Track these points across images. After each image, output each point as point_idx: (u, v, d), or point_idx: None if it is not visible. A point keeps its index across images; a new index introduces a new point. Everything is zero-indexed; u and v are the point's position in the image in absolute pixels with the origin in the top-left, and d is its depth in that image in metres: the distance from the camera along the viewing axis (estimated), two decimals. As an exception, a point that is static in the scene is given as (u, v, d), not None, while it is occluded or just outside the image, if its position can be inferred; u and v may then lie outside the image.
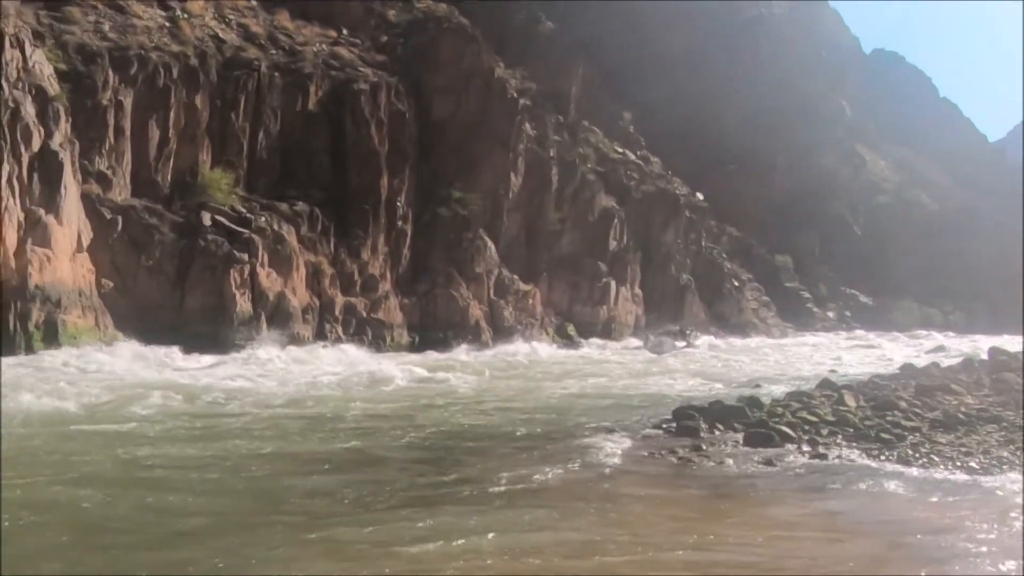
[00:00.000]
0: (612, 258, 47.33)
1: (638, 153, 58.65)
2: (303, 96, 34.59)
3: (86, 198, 26.63)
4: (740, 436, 12.99)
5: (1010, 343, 33.81)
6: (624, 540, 7.94)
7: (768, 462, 11.40)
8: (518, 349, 34.68)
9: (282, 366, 23.86)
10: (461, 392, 19.86)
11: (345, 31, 39.20)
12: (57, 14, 29.32)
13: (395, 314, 34.45)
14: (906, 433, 12.99)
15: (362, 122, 35.34)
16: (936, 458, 11.62)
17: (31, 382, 16.77)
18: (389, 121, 36.22)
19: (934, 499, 9.66)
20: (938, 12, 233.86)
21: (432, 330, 35.10)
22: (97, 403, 15.31)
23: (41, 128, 24.67)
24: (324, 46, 37.19)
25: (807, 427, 13.39)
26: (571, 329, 42.93)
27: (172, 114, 30.53)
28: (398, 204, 36.10)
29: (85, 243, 25.83)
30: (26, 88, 24.70)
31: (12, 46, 24.53)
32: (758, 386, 21.87)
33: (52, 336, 23.37)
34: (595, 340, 42.00)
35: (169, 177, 30.37)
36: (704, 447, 12.34)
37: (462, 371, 24.02)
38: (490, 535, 7.89)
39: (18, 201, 23.57)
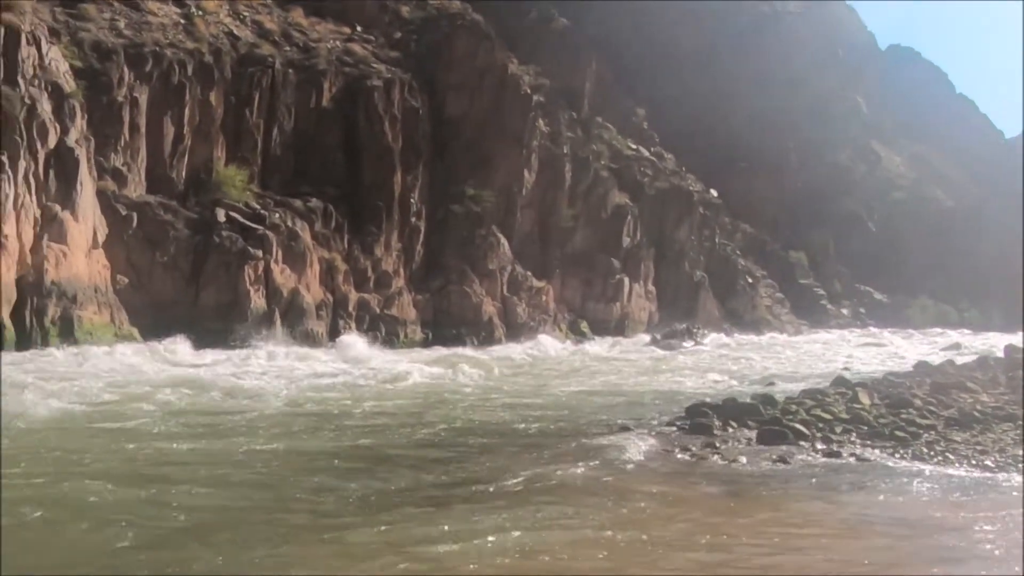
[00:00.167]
0: (625, 255, 47.24)
1: (652, 149, 58.50)
2: (317, 93, 34.68)
3: (101, 195, 26.80)
4: (754, 434, 12.94)
5: (1026, 341, 33.52)
6: (636, 538, 7.92)
7: (781, 460, 11.36)
8: (531, 346, 34.66)
9: (294, 362, 23.84)
10: (473, 389, 19.85)
11: (359, 28, 39.27)
12: (73, 11, 29.48)
13: (408, 310, 34.51)
14: (921, 431, 12.92)
15: (376, 119, 35.40)
16: (951, 456, 11.57)
17: (36, 379, 16.66)
18: (403, 118, 36.27)
19: (949, 498, 9.61)
20: (954, 7, 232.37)
21: (445, 327, 35.14)
22: (103, 399, 15.22)
23: (57, 125, 24.83)
24: (338, 43, 37.27)
25: (821, 425, 13.33)
26: (584, 326, 42.90)
27: (187, 111, 30.67)
28: (411, 201, 36.15)
29: (100, 239, 25.99)
30: (42, 85, 24.86)
31: (28, 43, 24.69)
32: (772, 383, 21.81)
33: (68, 332, 23.54)
34: (608, 337, 41.91)
35: (184, 174, 30.51)
36: (717, 444, 12.32)
37: (474, 367, 24.00)
38: (502, 534, 7.86)
39: (34, 197, 23.74)
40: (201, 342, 25.15)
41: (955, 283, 77.96)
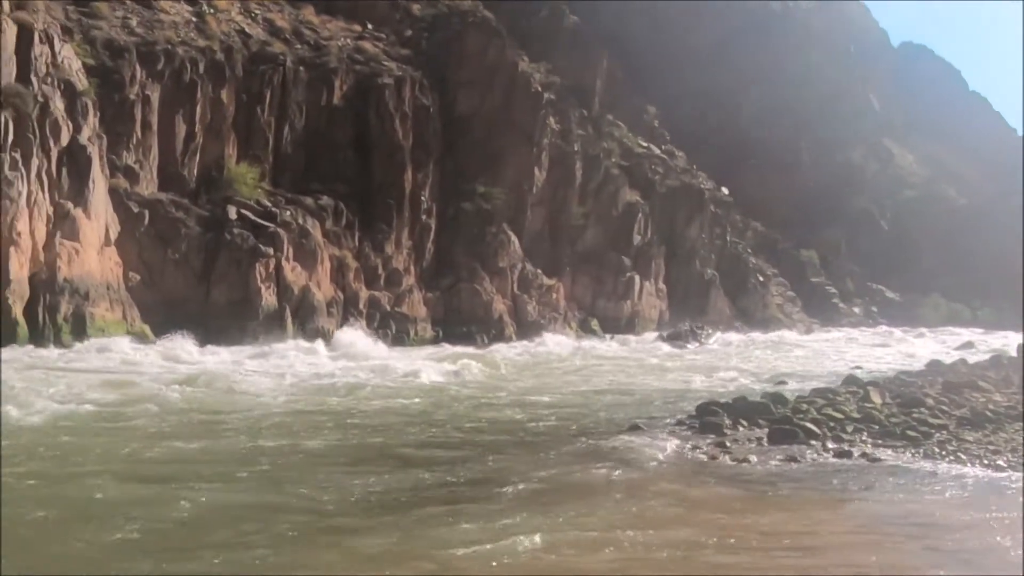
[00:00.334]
0: (636, 253, 47.15)
1: (663, 147, 58.41)
2: (328, 90, 34.72)
3: (114, 192, 26.90)
4: (764, 433, 12.90)
5: (1039, 340, 33.32)
6: (645, 539, 7.89)
7: (792, 459, 11.34)
8: (541, 344, 34.65)
9: (302, 359, 23.76)
10: (482, 387, 19.81)
11: (370, 25, 39.31)
12: (85, 9, 29.60)
13: (419, 308, 34.55)
14: (933, 431, 12.87)
15: (386, 116, 35.43)
16: (963, 456, 11.52)
17: (40, 375, 16.58)
18: (413, 115, 36.29)
19: (961, 497, 9.58)
20: (966, 5, 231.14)
21: (456, 324, 35.16)
22: (107, 397, 15.12)
23: (69, 123, 24.94)
24: (349, 40, 37.31)
25: (832, 424, 13.28)
26: (594, 324, 42.86)
27: (198, 109, 30.75)
28: (422, 198, 36.18)
29: (113, 237, 26.10)
30: (55, 83, 24.97)
31: (41, 41, 24.80)
32: (783, 382, 21.76)
33: (80, 329, 23.65)
34: (619, 335, 41.84)
35: (195, 171, 30.59)
36: (728, 444, 12.29)
37: (484, 365, 23.97)
38: (509, 534, 7.82)
39: (47, 195, 23.86)
40: (212, 339, 25.21)
41: (968, 281, 77.54)
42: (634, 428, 13.44)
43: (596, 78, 52.86)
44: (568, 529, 8.10)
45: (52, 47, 25.26)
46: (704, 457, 11.51)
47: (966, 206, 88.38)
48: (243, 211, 29.70)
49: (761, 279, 60.64)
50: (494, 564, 7.16)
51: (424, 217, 36.30)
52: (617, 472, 10.51)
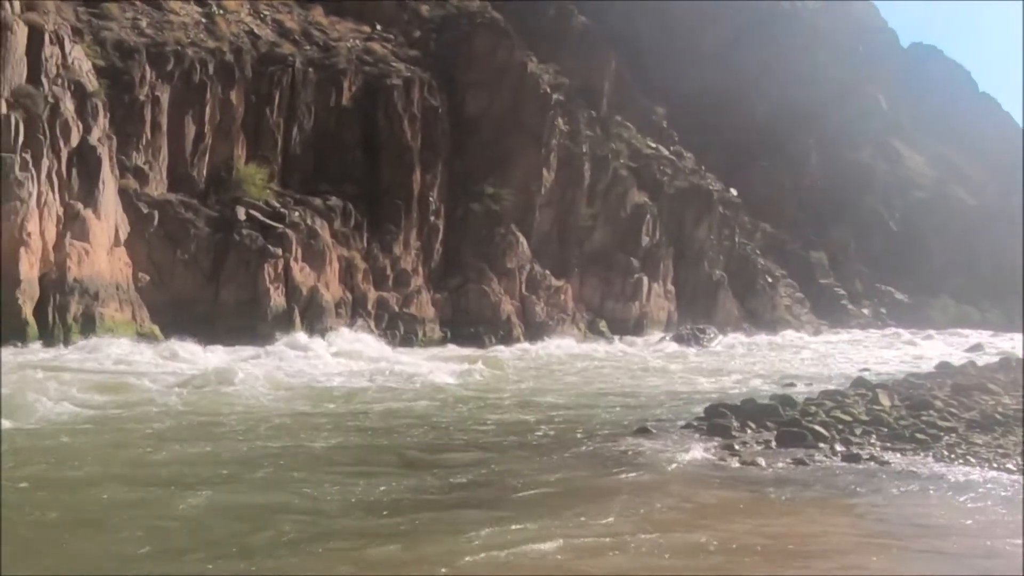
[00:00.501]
0: (644, 254, 47.11)
1: (671, 148, 58.35)
2: (337, 91, 34.80)
3: (123, 192, 27.01)
4: (772, 435, 12.85)
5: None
6: (651, 542, 7.87)
7: (800, 462, 11.30)
8: (549, 345, 34.67)
9: (311, 360, 23.65)
10: (490, 389, 19.77)
11: (379, 27, 39.40)
12: (95, 10, 29.74)
13: (427, 309, 34.59)
14: (942, 433, 12.82)
15: (395, 117, 35.49)
16: (972, 459, 11.47)
17: (42, 376, 16.46)
18: (422, 116, 36.35)
19: (970, 501, 9.54)
20: (976, 5, 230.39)
21: (464, 325, 35.19)
22: (109, 399, 15.00)
23: (80, 123, 25.06)
24: (358, 41, 37.39)
25: (840, 427, 13.23)
26: (603, 325, 42.83)
27: (208, 109, 30.85)
28: (430, 199, 36.22)
29: (122, 237, 26.20)
30: (65, 84, 25.09)
31: (52, 43, 24.92)
32: (791, 384, 21.72)
33: (90, 329, 23.74)
34: (627, 337, 41.81)
35: (205, 172, 30.69)
36: (736, 446, 12.25)
37: (491, 367, 23.93)
38: (512, 538, 7.80)
39: (57, 195, 23.97)
40: (221, 339, 25.19)
41: (977, 283, 77.37)
42: (642, 431, 13.41)
43: (604, 79, 52.84)
44: (575, 533, 8.06)
45: (62, 48, 25.38)
46: (712, 460, 11.48)
47: (976, 207, 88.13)
48: (252, 212, 29.79)
49: (770, 280, 60.54)
50: (501, 568, 7.15)
51: (432, 218, 36.35)
52: (625, 475, 10.50)
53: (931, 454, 11.78)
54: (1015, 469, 10.94)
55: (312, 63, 34.55)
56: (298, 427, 13.30)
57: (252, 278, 28.65)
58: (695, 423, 13.99)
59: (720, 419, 13.85)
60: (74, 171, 24.60)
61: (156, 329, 25.89)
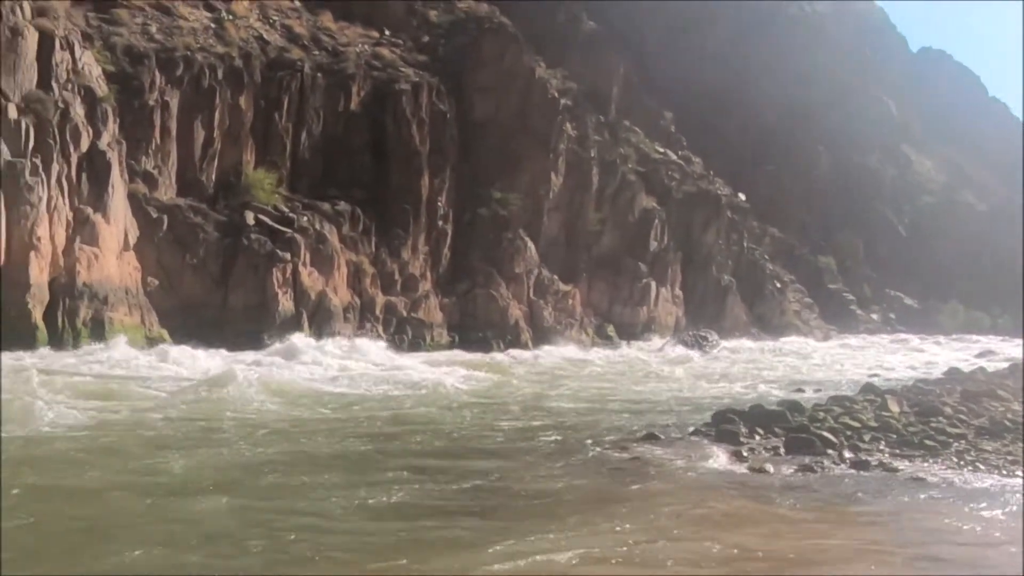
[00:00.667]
0: (652, 259, 47.04)
1: (679, 153, 58.26)
2: (345, 96, 34.87)
3: (133, 197, 27.11)
4: (780, 441, 12.78)
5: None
6: (655, 550, 7.85)
7: (808, 469, 11.26)
8: (557, 350, 34.65)
9: (318, 365, 23.56)
10: (496, 394, 19.74)
11: (387, 31, 39.47)
12: (105, 16, 29.84)
13: (435, 314, 34.59)
14: (951, 440, 12.76)
15: (403, 122, 35.54)
16: (982, 466, 11.43)
17: (43, 379, 16.40)
18: (430, 121, 36.40)
19: (980, 508, 9.50)
20: (985, 8, 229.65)
21: (472, 330, 35.17)
22: (109, 404, 14.96)
23: (90, 128, 25.17)
24: (366, 46, 37.46)
25: (849, 433, 13.17)
26: (611, 330, 42.77)
27: (217, 114, 30.94)
28: (439, 204, 36.25)
29: (132, 241, 26.29)
30: (75, 89, 25.21)
31: (62, 48, 25.04)
32: (800, 390, 21.66)
33: (99, 333, 23.82)
34: (635, 341, 41.72)
35: (214, 177, 30.78)
36: (744, 453, 12.20)
37: (499, 372, 23.94)
38: (513, 543, 7.77)
39: (67, 200, 24.07)
40: (229, 344, 25.25)
41: (987, 288, 76.96)
42: (650, 437, 13.36)
43: (612, 83, 52.85)
44: (584, 543, 8.01)
45: (72, 54, 25.50)
46: (720, 466, 11.46)
47: (985, 212, 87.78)
48: (261, 216, 29.87)
49: (778, 285, 60.35)
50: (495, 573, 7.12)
51: (440, 223, 36.37)
52: (634, 482, 10.48)
53: (940, 461, 11.74)
54: (1025, 476, 10.89)
55: (321, 68, 34.63)
56: (301, 432, 13.24)
57: (260, 283, 28.71)
58: (703, 429, 13.95)
59: (728, 425, 13.78)
60: (84, 176, 24.71)
61: (165, 333, 25.97)
